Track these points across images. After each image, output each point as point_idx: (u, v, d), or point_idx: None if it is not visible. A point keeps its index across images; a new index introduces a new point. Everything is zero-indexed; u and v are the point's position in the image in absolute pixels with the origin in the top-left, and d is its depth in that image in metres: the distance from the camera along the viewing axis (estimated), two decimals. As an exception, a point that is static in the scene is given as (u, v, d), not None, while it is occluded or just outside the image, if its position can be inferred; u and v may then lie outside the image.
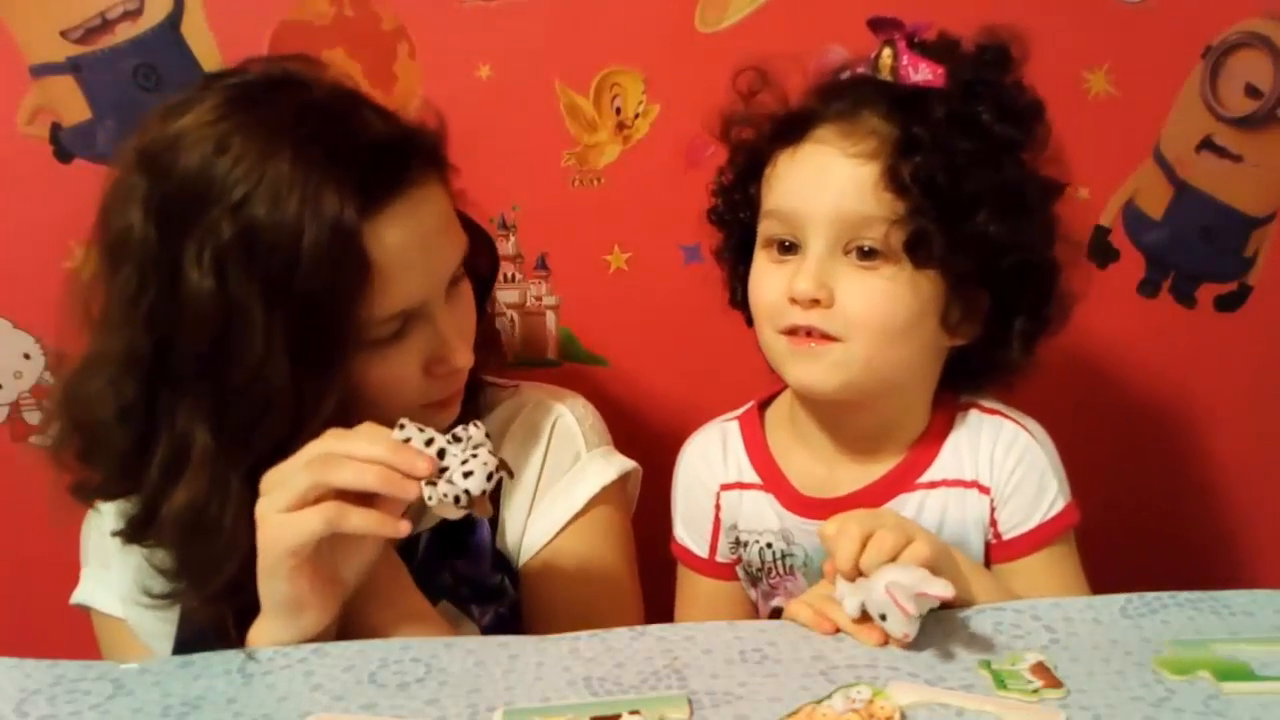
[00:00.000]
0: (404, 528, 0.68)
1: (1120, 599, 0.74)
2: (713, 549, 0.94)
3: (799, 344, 0.80)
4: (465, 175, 1.08)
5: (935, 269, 0.78)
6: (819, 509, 0.86)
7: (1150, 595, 0.74)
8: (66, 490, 0.81)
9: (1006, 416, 0.88)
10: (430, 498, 0.67)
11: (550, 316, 1.13)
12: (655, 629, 0.72)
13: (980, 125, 0.78)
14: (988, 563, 0.87)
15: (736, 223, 0.88)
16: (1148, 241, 1.14)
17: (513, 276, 1.12)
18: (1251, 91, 1.10)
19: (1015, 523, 0.85)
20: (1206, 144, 1.11)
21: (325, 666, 0.68)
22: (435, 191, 0.78)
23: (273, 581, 0.69)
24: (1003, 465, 0.85)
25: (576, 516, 0.88)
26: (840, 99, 0.81)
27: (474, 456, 0.69)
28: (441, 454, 0.69)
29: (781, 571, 0.90)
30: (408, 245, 0.74)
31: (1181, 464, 1.18)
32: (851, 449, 0.88)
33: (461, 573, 0.87)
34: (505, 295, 1.12)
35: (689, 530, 0.95)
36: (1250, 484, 1.21)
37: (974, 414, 0.88)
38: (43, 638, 1.13)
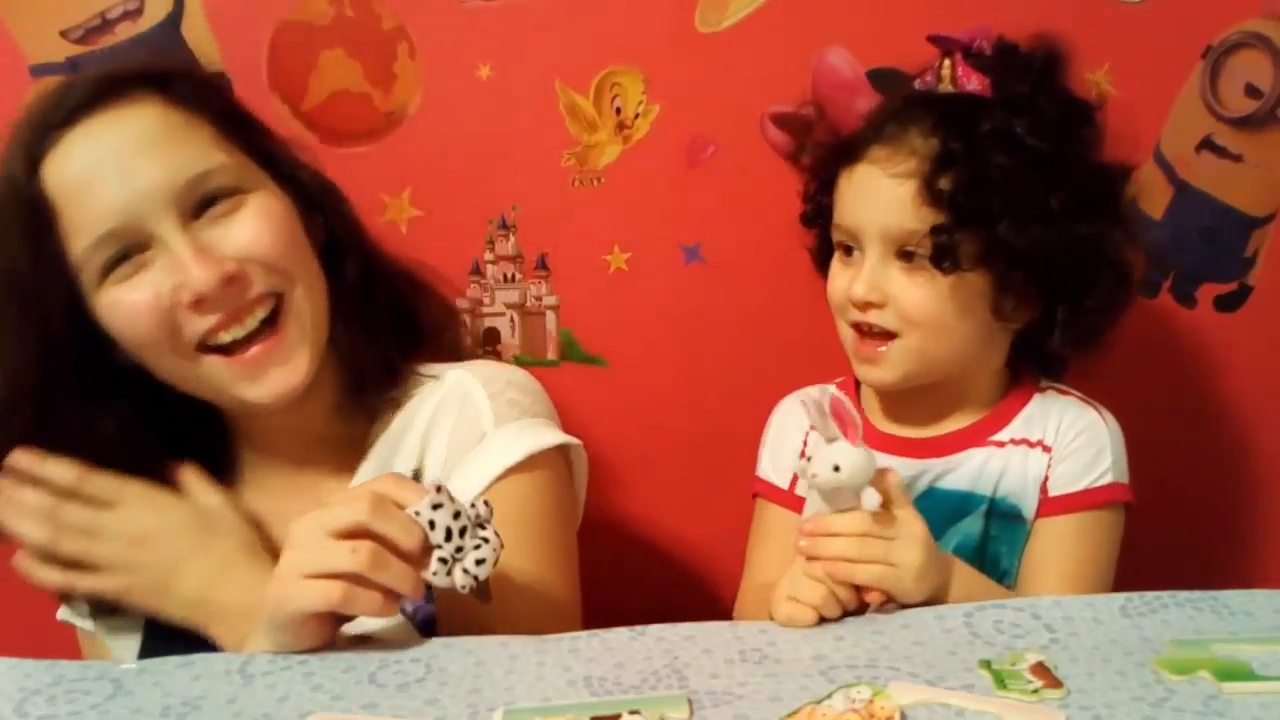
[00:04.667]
0: (396, 614, 0.71)
1: (1120, 599, 0.75)
2: (794, 482, 0.99)
3: (862, 346, 0.91)
4: (465, 175, 1.08)
5: (967, 272, 0.85)
6: (896, 445, 0.94)
7: (1150, 595, 0.75)
8: None
9: (1082, 399, 0.95)
10: (439, 580, 0.69)
11: (550, 316, 1.13)
12: (655, 629, 0.72)
13: (1013, 139, 0.85)
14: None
15: (819, 227, 0.98)
16: (1148, 241, 1.13)
17: (513, 276, 1.12)
18: (1251, 91, 1.10)
19: (1064, 483, 0.91)
20: (1206, 144, 1.11)
21: (325, 666, 0.68)
22: (138, 113, 0.78)
23: (276, 634, 0.70)
24: (1068, 431, 0.92)
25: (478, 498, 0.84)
26: (892, 121, 0.89)
27: (485, 542, 0.70)
28: (463, 532, 0.70)
29: None
30: (86, 168, 0.75)
31: (1181, 464, 1.18)
32: (932, 414, 0.95)
33: None
34: (505, 295, 1.12)
35: (774, 465, 1.00)
36: (1250, 484, 1.21)
37: (1052, 393, 0.95)
38: (43, 638, 1.13)
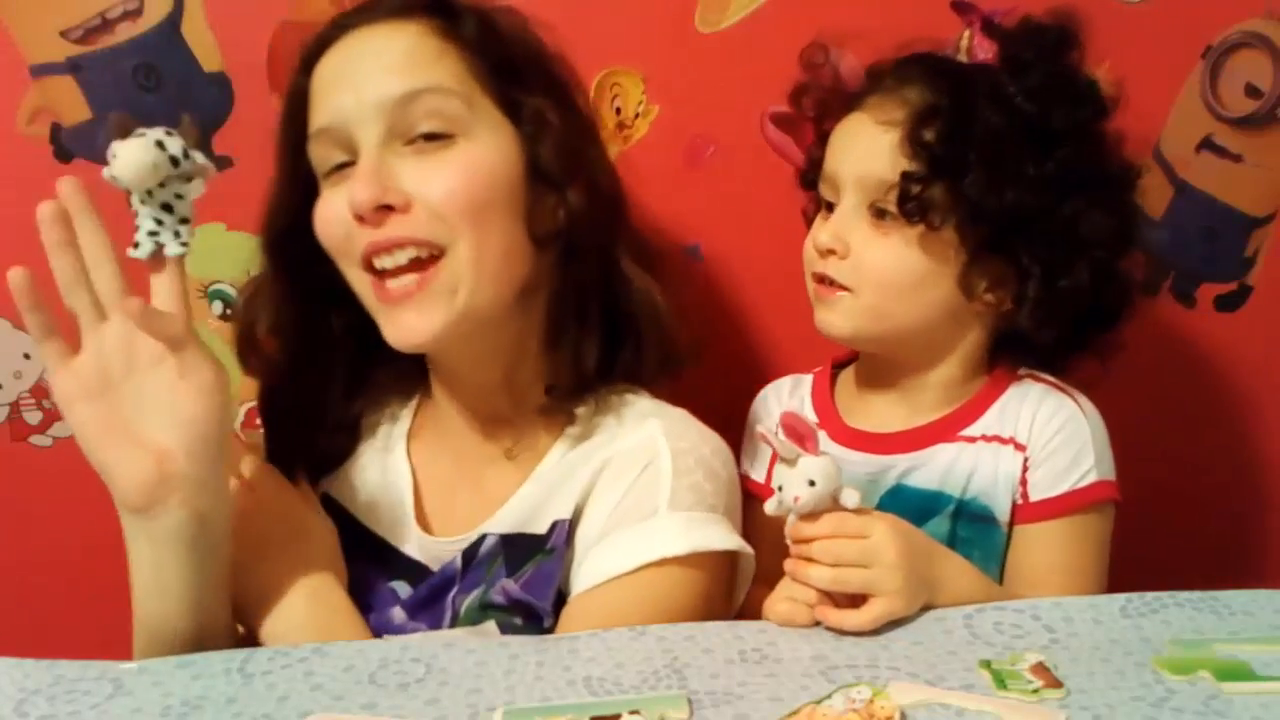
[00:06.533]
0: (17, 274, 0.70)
1: (1120, 599, 0.75)
2: (769, 475, 0.95)
3: (821, 291, 0.89)
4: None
5: (934, 229, 0.83)
6: (862, 440, 0.92)
7: (1150, 595, 0.75)
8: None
9: (1059, 388, 0.90)
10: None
11: (550, 316, 1.13)
12: (655, 629, 0.72)
13: (1004, 98, 0.84)
14: (1012, 523, 0.88)
15: (814, 187, 0.95)
16: (1147, 241, 1.13)
17: (513, 276, 1.12)
18: (1251, 91, 1.10)
19: (1044, 487, 0.87)
20: (1206, 144, 1.11)
21: (325, 666, 0.68)
22: (399, 32, 0.79)
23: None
24: (1044, 429, 0.87)
25: (622, 576, 0.76)
26: (891, 75, 0.89)
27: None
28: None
29: None
30: (336, 70, 0.79)
31: (1181, 464, 1.18)
32: (902, 404, 0.93)
33: (518, 599, 0.80)
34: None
35: (750, 459, 0.98)
36: (1250, 484, 1.21)
37: (1028, 382, 0.91)
38: (43, 638, 1.13)
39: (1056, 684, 0.64)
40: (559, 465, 0.84)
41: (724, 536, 0.79)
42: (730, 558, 0.80)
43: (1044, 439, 0.87)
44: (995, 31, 0.88)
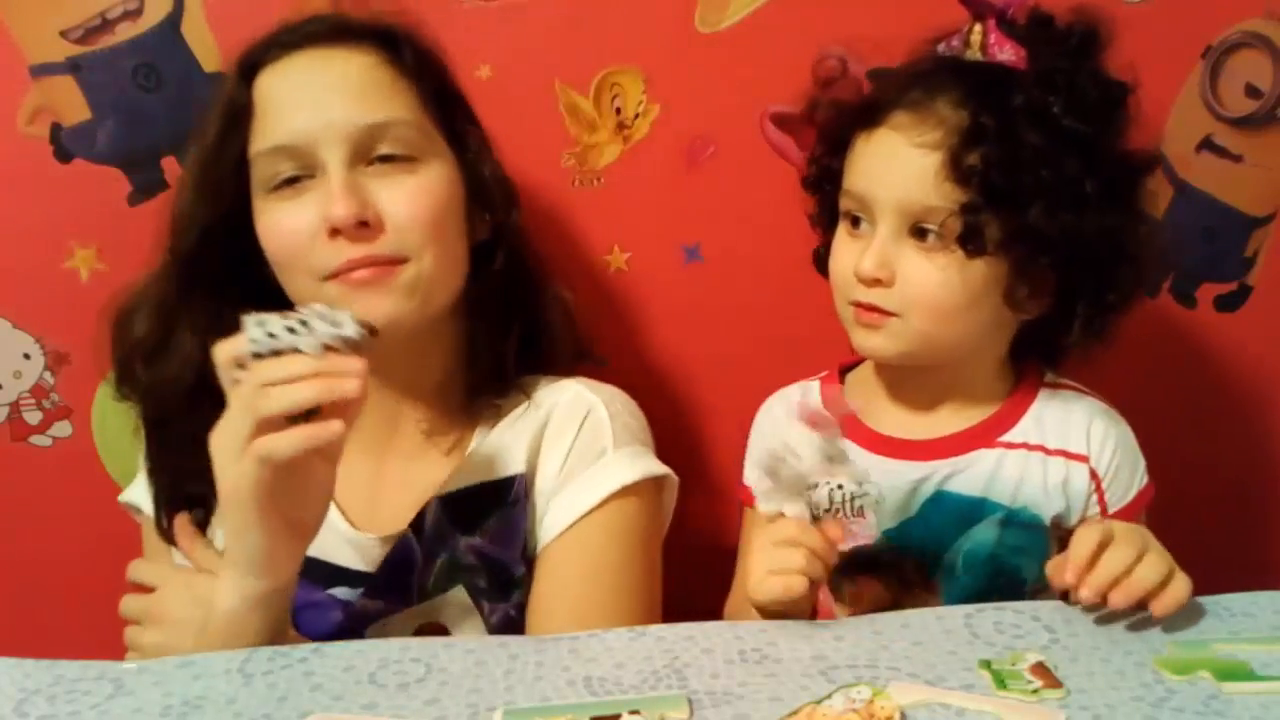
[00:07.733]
0: (335, 426, 0.69)
1: (1120, 599, 0.75)
2: None
3: (863, 315, 0.86)
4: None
5: (991, 257, 0.82)
6: (896, 448, 0.90)
7: (1150, 595, 0.75)
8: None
9: (1103, 404, 0.92)
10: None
11: (550, 316, 1.13)
12: (655, 629, 0.72)
13: (1049, 118, 0.80)
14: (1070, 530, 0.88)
15: (823, 193, 0.93)
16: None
17: (513, 276, 1.12)
18: (1251, 91, 1.10)
19: (1118, 497, 0.90)
20: (1206, 144, 1.11)
21: (325, 666, 0.68)
22: (354, 59, 0.83)
23: (247, 535, 0.71)
24: (1104, 443, 0.90)
25: (591, 512, 0.85)
26: (917, 86, 0.84)
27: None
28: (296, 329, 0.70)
29: (850, 513, 0.91)
30: (291, 88, 0.82)
31: (1180, 464, 1.18)
32: (928, 406, 0.92)
33: (489, 554, 0.86)
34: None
35: (754, 468, 0.97)
36: (1250, 484, 1.21)
37: (1063, 391, 0.92)
38: (43, 638, 1.13)
39: (1056, 684, 0.64)
40: (488, 443, 0.89)
41: (658, 464, 0.90)
42: (659, 485, 0.91)
43: (1109, 454, 0.90)
44: (1013, 30, 0.84)
